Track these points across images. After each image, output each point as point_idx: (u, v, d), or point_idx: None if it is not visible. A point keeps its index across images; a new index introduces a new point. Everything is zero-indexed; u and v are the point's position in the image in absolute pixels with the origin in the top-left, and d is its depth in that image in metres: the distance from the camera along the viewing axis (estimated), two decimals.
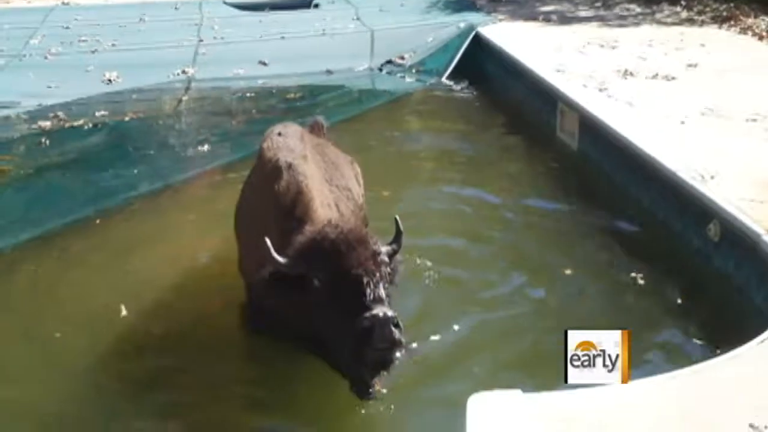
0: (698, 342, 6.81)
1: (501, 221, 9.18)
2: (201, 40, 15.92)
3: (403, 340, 5.11)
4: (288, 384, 6.32)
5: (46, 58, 14.95)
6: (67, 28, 16.77)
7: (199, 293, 7.60)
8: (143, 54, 15.22)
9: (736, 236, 7.47)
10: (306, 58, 15.08)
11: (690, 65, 12.48)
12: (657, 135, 9.48)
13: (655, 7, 17.02)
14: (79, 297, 7.71)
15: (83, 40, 15.80)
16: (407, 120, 13.24)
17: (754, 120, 9.93)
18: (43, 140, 11.54)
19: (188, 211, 9.56)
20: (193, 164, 10.91)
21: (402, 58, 15.09)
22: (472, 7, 17.75)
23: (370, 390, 5.50)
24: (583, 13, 17.00)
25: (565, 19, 16.39)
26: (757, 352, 5.77)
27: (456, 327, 7.07)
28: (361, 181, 7.56)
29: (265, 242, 5.47)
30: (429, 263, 7.87)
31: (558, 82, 11.73)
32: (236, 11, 18.55)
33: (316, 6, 18.92)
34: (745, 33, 14.63)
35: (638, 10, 17.04)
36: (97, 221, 9.18)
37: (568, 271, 7.99)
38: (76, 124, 12.25)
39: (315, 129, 7.80)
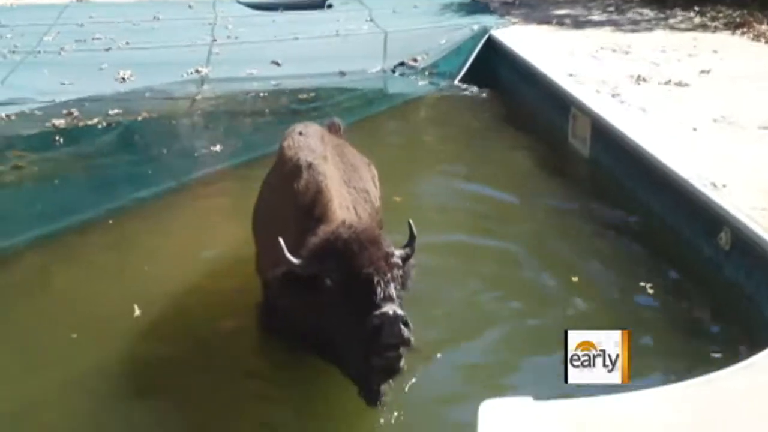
0: (710, 351, 6.79)
1: (509, 226, 9.15)
2: (215, 40, 15.97)
3: (412, 339, 5.11)
4: (301, 384, 6.35)
5: (59, 55, 15.04)
6: (81, 25, 16.84)
7: (213, 293, 7.63)
8: (157, 53, 15.30)
9: (747, 245, 7.46)
10: (319, 58, 15.10)
11: (703, 72, 12.46)
12: (669, 141, 9.48)
13: (668, 12, 17.03)
14: (92, 296, 7.74)
15: (97, 38, 15.87)
16: (419, 122, 13.29)
17: (767, 128, 9.92)
18: (56, 138, 11.58)
19: (202, 210, 9.61)
20: (206, 164, 10.95)
21: (415, 60, 15.07)
22: (486, 9, 17.77)
23: (379, 397, 5.54)
24: (596, 18, 17.01)
25: (578, 23, 16.40)
26: None
27: (465, 332, 7.12)
28: (378, 184, 7.56)
29: (279, 242, 5.50)
30: (437, 263, 7.85)
31: (571, 87, 11.73)
32: (250, 11, 18.63)
33: (330, 7, 18.98)
34: (758, 40, 14.60)
35: (651, 15, 17.04)
36: (110, 221, 9.21)
37: (575, 279, 7.98)
38: (89, 122, 12.29)
39: (332, 130, 7.78)
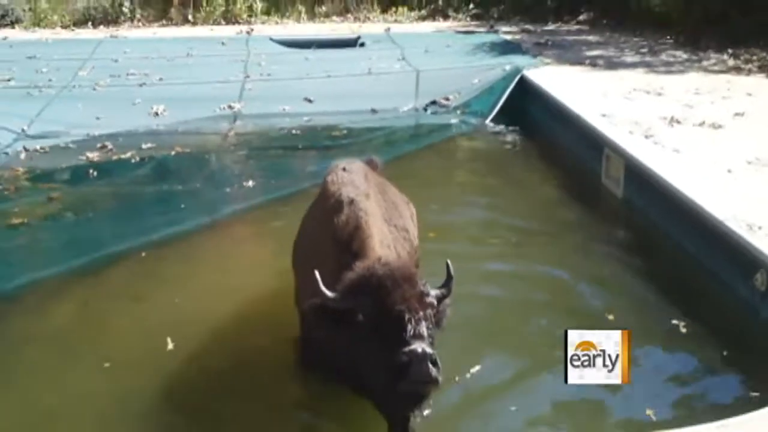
0: (745, 392, 6.74)
1: (542, 264, 9.12)
2: (247, 76, 16.04)
3: (440, 378, 5.08)
4: (336, 417, 6.35)
5: (94, 89, 15.14)
6: (116, 61, 16.99)
7: (246, 328, 7.62)
8: (190, 88, 15.39)
9: None
10: (351, 96, 15.17)
11: (737, 114, 12.40)
12: (703, 183, 9.43)
13: (701, 55, 16.97)
14: (125, 329, 7.76)
15: (131, 74, 15.99)
16: (451, 160, 13.27)
17: None
18: (90, 171, 11.69)
19: (235, 246, 9.62)
20: (238, 200, 10.97)
21: (447, 99, 15.08)
22: (518, 50, 17.81)
23: None
24: (629, 59, 16.98)
25: (611, 65, 16.39)
26: None
27: (497, 367, 7.11)
28: (416, 222, 7.56)
29: (315, 275, 5.51)
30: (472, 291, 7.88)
31: (604, 128, 11.69)
32: (283, 48, 18.75)
33: (362, 45, 19.09)
34: None
35: (684, 57, 16.99)
36: (143, 254, 9.25)
37: (610, 317, 7.91)
38: (123, 156, 12.40)
39: (371, 167, 7.80)
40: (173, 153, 12.61)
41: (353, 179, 6.78)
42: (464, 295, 6.81)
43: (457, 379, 6.78)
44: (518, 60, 16.45)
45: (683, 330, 7.70)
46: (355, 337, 5.40)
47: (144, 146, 12.77)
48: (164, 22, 21.67)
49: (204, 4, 21.78)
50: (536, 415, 6.54)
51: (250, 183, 11.43)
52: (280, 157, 12.91)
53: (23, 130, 13.17)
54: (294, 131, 13.86)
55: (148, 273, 8.87)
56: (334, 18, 22.64)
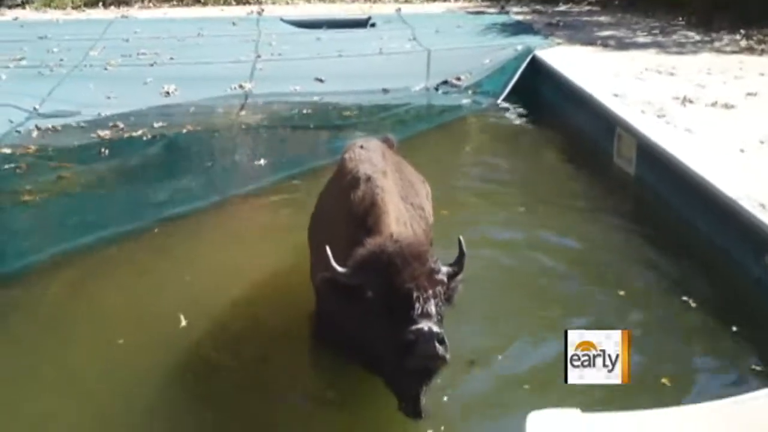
0: (755, 368, 6.75)
1: (553, 242, 9.13)
2: (258, 56, 16.01)
3: (447, 356, 5.10)
4: (348, 394, 6.37)
5: (105, 69, 15.13)
6: (127, 40, 16.98)
7: (258, 305, 7.64)
8: (201, 68, 15.39)
9: None
10: (362, 76, 15.14)
11: (749, 94, 12.37)
12: (716, 162, 9.42)
13: (713, 35, 16.88)
14: (138, 305, 7.78)
15: (142, 53, 15.98)
16: (463, 140, 13.22)
17: None
18: (102, 149, 11.69)
19: (245, 223, 9.62)
20: (249, 178, 11.00)
21: (458, 79, 15.06)
22: (530, 30, 17.74)
23: (419, 410, 5.51)
24: (641, 40, 16.91)
25: (622, 45, 16.33)
26: None
27: (508, 343, 7.10)
28: (431, 201, 7.57)
29: (326, 251, 5.53)
30: (483, 273, 7.87)
31: (616, 107, 11.67)
32: (293, 28, 18.68)
33: (373, 26, 19.02)
34: None
35: (697, 37, 16.91)
36: (156, 230, 9.28)
37: (621, 293, 7.95)
38: (134, 134, 12.42)
39: (387, 145, 7.80)
40: (184, 131, 12.62)
41: (371, 157, 6.79)
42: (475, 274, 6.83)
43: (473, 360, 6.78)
44: (529, 40, 16.40)
45: (693, 305, 7.71)
46: (365, 313, 5.42)
47: (156, 125, 12.79)
48: (175, 2, 21.59)
49: None
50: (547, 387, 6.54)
51: (261, 162, 11.45)
52: (291, 136, 12.93)
53: (35, 109, 13.19)
54: (305, 111, 13.83)
55: (161, 250, 8.87)
56: None
